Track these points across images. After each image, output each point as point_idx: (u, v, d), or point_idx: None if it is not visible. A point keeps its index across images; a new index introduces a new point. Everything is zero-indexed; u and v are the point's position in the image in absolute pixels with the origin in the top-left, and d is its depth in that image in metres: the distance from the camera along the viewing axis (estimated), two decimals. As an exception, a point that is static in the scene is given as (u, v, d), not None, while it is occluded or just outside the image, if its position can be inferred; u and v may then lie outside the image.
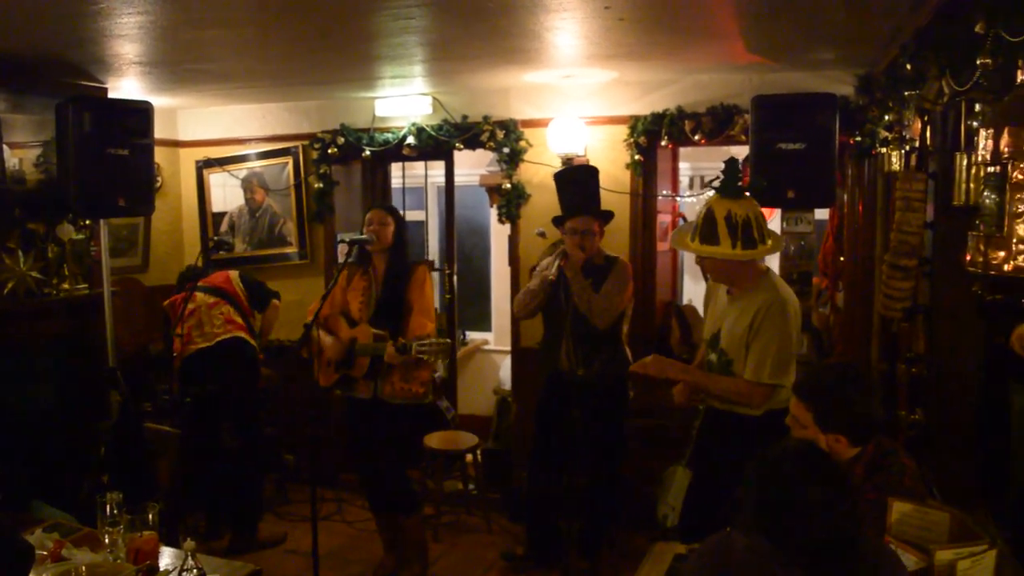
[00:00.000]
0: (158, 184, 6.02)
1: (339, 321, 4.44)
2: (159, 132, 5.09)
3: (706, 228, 3.33)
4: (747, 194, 3.36)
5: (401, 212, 4.63)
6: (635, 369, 3.70)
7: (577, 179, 4.53)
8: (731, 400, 3.46)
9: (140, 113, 4.63)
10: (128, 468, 4.45)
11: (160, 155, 5.93)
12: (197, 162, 6.28)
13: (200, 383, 4.86)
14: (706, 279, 3.79)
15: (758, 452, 1.95)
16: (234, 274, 5.15)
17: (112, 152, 4.41)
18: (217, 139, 6.24)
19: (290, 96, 5.84)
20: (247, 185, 6.15)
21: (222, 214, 6.23)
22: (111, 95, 4.94)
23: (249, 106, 6.11)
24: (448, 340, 4.22)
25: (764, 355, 3.33)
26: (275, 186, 6.07)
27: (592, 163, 5.05)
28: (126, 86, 5.02)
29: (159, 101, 5.43)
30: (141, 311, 5.79)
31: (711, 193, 3.42)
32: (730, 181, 3.35)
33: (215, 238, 5.21)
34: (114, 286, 4.99)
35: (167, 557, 2.91)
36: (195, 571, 2.58)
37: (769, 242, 3.37)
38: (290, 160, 6.01)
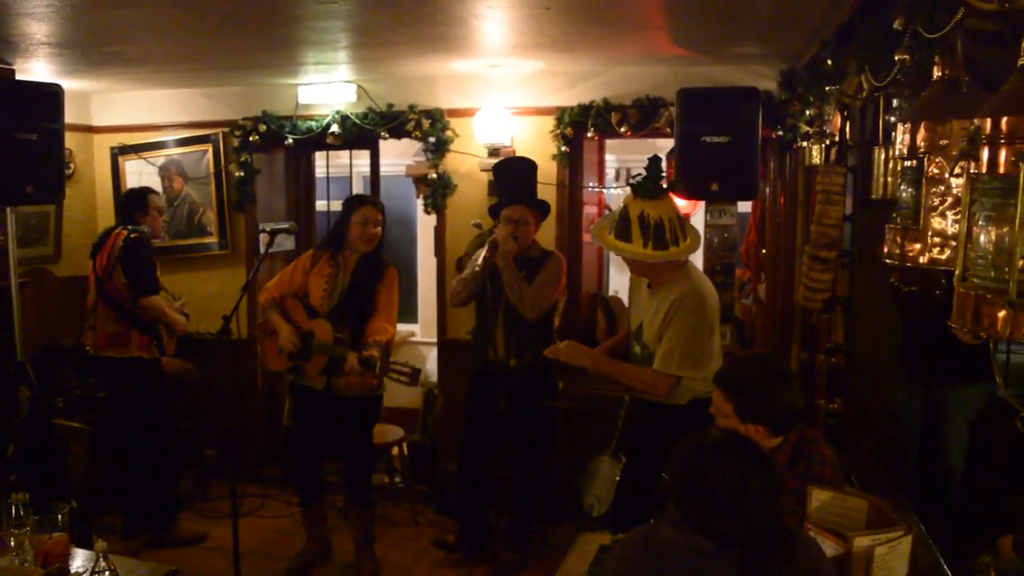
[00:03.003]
0: (70, 171, 5.81)
1: (298, 308, 4.34)
2: (71, 117, 4.89)
3: (621, 225, 3.42)
4: (667, 193, 3.46)
5: (325, 202, 4.53)
6: (548, 354, 3.75)
7: (516, 169, 4.52)
8: (639, 389, 3.56)
9: (49, 96, 4.42)
10: (37, 467, 4.28)
11: (72, 141, 5.72)
12: (112, 148, 6.06)
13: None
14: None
15: (681, 441, 1.95)
16: (119, 246, 4.70)
17: (19, 137, 4.22)
18: (133, 125, 6.03)
19: (210, 81, 5.67)
20: (165, 173, 5.96)
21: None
22: (19, 77, 4.72)
23: (167, 91, 5.92)
24: (416, 367, 4.18)
25: (673, 346, 3.41)
26: (194, 174, 5.89)
27: (519, 154, 5.03)
28: (35, 68, 4.81)
29: (71, 85, 5.22)
30: (53, 303, 5.58)
31: (628, 190, 3.48)
32: (648, 181, 3.42)
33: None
34: (24, 277, 4.80)
35: (79, 559, 2.81)
36: (107, 573, 2.49)
37: (683, 243, 3.44)
38: (210, 147, 5.84)
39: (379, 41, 4.34)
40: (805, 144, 3.98)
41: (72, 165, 5.86)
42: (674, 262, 3.49)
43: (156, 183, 5.93)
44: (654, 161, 3.46)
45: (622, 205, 3.45)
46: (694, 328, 3.41)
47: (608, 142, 5.82)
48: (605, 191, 5.83)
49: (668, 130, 4.81)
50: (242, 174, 5.74)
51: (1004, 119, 1.44)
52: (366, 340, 4.17)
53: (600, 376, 3.81)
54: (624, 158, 7.22)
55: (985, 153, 1.48)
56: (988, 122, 1.47)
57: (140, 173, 6.01)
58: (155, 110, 5.98)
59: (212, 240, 5.90)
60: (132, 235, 4.70)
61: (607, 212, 5.48)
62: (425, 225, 7.24)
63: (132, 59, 4.77)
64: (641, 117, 4.95)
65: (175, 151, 5.93)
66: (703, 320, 3.43)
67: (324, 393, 4.32)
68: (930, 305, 2.46)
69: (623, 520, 3.65)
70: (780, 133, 4.71)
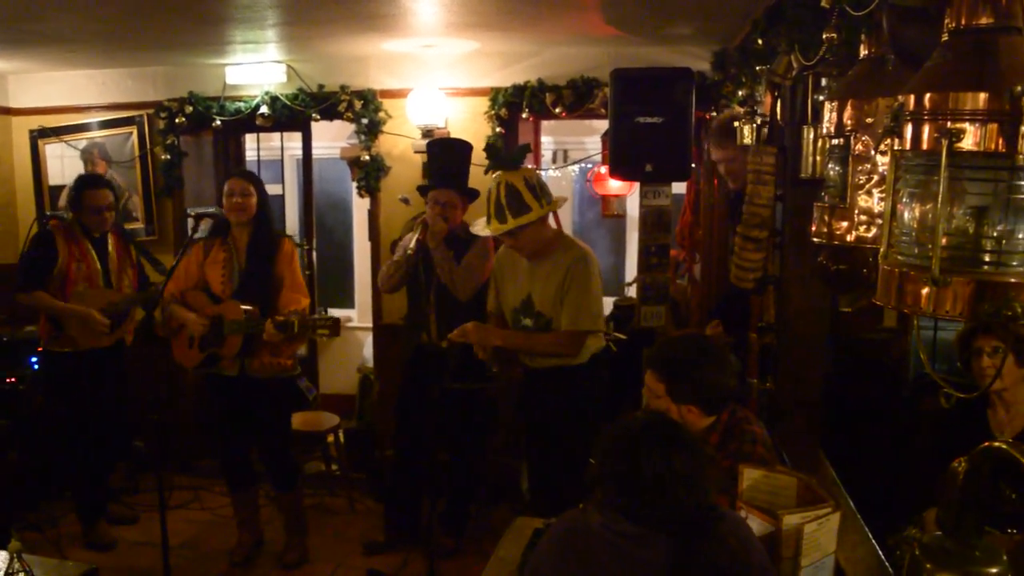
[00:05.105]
0: (-14, 155, 5.60)
1: (200, 297, 4.24)
2: (-15, 98, 4.71)
3: (513, 203, 3.58)
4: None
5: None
6: (455, 337, 3.81)
7: (449, 151, 4.46)
8: (553, 353, 3.74)
9: (-40, 77, 4.25)
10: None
11: (-13, 123, 5.53)
12: (31, 131, 5.85)
13: None
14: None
15: (608, 425, 1.93)
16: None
17: (-72, 119, 4.04)
18: (53, 107, 5.82)
19: (133, 61, 5.49)
20: (87, 156, 5.77)
21: (60, 187, 5.82)
22: (-73, 57, 4.53)
23: (88, 71, 5.71)
24: (337, 317, 4.10)
25: (579, 305, 3.64)
26: (118, 158, 5.71)
27: (453, 135, 4.98)
28: (-55, 48, 4.61)
29: (-16, 64, 5.02)
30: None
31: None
32: (505, 157, 3.76)
33: (50, 213, 4.85)
34: (-62, 265, 4.61)
35: (-6, 559, 2.70)
36: (22, 574, 2.39)
37: (545, 205, 3.69)
38: (134, 130, 5.66)
39: (308, 19, 4.24)
40: (737, 124, 3.99)
41: (-12, 148, 5.65)
42: (555, 231, 3.80)
43: (78, 167, 5.74)
44: (492, 147, 4.04)
45: (500, 188, 3.64)
46: (595, 286, 3.69)
47: (545, 124, 5.79)
48: (542, 173, 5.79)
49: (603, 111, 4.81)
50: (168, 157, 5.59)
51: (927, 95, 1.43)
52: (281, 313, 4.09)
53: (512, 350, 3.90)
54: (561, 140, 7.19)
55: (908, 130, 1.47)
56: (911, 98, 1.46)
57: (61, 157, 5.82)
58: (76, 91, 5.78)
59: (139, 226, 5.72)
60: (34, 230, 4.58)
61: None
62: (361, 209, 7.13)
63: (49, 37, 4.58)
64: (576, 98, 4.94)
65: (98, 134, 5.74)
66: (598, 279, 3.73)
67: (239, 379, 4.24)
68: (858, 283, 2.47)
69: (543, 497, 3.69)
70: (714, 114, 4.72)
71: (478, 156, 4.62)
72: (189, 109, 5.44)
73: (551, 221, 3.84)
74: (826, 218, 2.10)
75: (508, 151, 3.78)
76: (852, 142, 2.02)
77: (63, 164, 5.81)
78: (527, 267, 3.79)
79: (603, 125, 4.97)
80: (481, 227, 3.81)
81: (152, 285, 4.73)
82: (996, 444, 1.52)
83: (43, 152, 5.85)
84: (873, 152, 1.94)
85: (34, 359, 5.02)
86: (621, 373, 3.98)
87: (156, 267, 4.81)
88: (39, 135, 5.83)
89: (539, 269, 3.74)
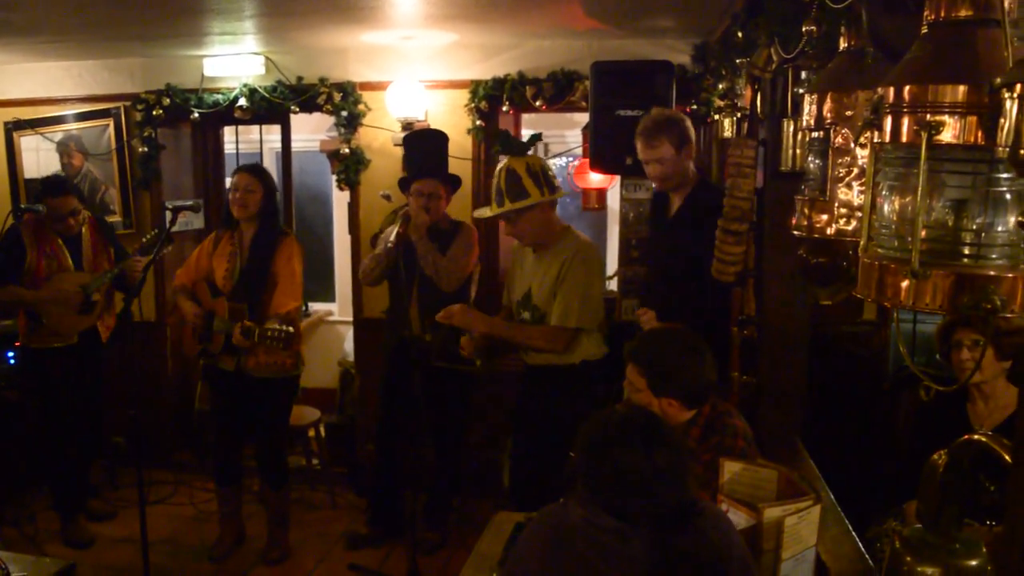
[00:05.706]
0: (-41, 148, 5.53)
1: (203, 288, 4.26)
2: (-42, 90, 4.64)
3: (512, 187, 3.56)
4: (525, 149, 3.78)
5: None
6: (440, 319, 3.78)
7: (426, 142, 4.45)
8: (538, 348, 3.68)
9: (-69, 68, 4.19)
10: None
11: (-40, 116, 5.45)
12: (6, 124, 5.76)
13: None
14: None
15: (588, 420, 1.92)
16: None
17: (-102, 110, 3.98)
18: (28, 99, 5.73)
19: (110, 53, 5.42)
20: (63, 149, 5.70)
21: (36, 180, 5.74)
22: (-102, 47, 4.46)
23: (64, 63, 5.63)
24: (291, 329, 4.04)
25: (570, 301, 3.58)
26: (95, 150, 5.64)
27: (433, 128, 4.95)
28: (-84, 39, 4.53)
29: (-44, 56, 4.94)
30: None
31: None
32: (513, 143, 3.74)
33: (25, 207, 4.78)
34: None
35: (-31, 557, 2.67)
36: (-3, 571, 2.36)
37: (557, 183, 3.71)
38: (111, 122, 5.59)
39: (286, 10, 4.21)
40: (718, 117, 4.00)
41: (-38, 141, 5.57)
42: (559, 224, 3.74)
43: (54, 160, 5.68)
44: (503, 132, 3.91)
45: (503, 172, 3.65)
46: (589, 283, 3.62)
47: (525, 117, 5.78)
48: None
49: (583, 104, 4.79)
50: (146, 150, 5.52)
51: (906, 88, 1.42)
52: (267, 315, 4.09)
53: (498, 340, 3.86)
54: (543, 133, 7.16)
55: (888, 122, 1.47)
56: (891, 91, 1.46)
57: (37, 149, 5.74)
58: (52, 83, 5.70)
59: (116, 219, 5.65)
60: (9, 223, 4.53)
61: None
62: (341, 202, 7.08)
63: (22, 28, 4.52)
64: (556, 91, 4.93)
65: (74, 126, 5.67)
66: (596, 275, 3.68)
67: (235, 375, 4.24)
68: (838, 276, 2.48)
69: (524, 492, 3.68)
70: (694, 107, 4.73)
71: (455, 148, 4.60)
72: (167, 101, 5.38)
73: None
74: (806, 211, 2.09)
75: (512, 139, 3.83)
76: (832, 135, 2.02)
77: (39, 157, 5.74)
78: (532, 260, 3.77)
79: (584, 118, 4.96)
80: (482, 212, 3.85)
81: (124, 261, 4.66)
82: (976, 437, 1.53)
83: (18, 145, 5.77)
84: (853, 145, 1.94)
85: (11, 354, 4.96)
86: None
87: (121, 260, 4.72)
88: (14, 127, 5.75)
89: (540, 263, 3.71)
